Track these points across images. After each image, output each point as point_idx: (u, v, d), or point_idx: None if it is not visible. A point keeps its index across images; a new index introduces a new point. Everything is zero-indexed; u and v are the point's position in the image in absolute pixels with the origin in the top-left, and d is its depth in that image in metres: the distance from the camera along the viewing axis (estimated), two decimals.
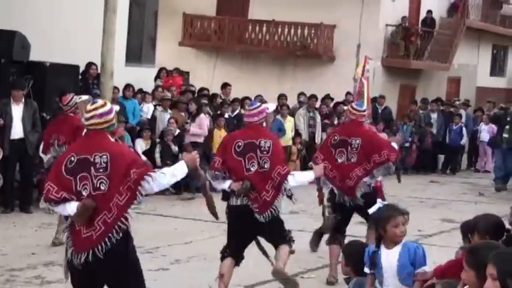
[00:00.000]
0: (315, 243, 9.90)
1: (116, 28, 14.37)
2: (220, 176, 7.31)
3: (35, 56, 13.90)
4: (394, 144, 9.29)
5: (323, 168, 8.02)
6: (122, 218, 5.30)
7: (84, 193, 5.34)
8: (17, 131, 12.14)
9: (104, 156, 5.35)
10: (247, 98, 17.89)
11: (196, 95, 18.15)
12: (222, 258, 7.46)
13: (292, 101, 19.40)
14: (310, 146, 17.98)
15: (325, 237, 9.01)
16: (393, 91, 24.94)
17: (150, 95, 16.80)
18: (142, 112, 16.26)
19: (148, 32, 21.25)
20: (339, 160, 8.63)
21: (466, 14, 28.00)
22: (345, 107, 10.28)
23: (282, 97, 18.76)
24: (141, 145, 15.27)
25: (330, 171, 8.50)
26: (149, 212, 12.45)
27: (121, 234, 5.30)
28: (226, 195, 7.43)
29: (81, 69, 15.21)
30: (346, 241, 8.09)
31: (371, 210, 5.63)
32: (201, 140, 15.15)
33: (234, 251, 7.42)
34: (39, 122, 12.32)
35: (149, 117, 16.07)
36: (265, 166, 7.26)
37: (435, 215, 13.68)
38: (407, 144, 19.81)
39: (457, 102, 22.84)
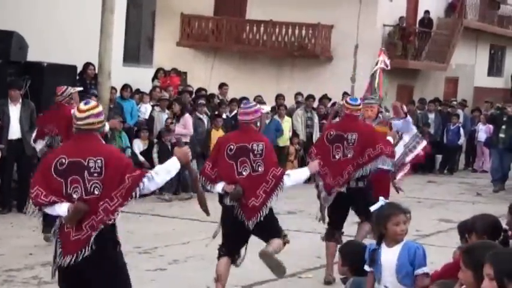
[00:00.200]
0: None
1: (114, 28, 14.39)
2: (211, 183, 7.29)
3: (32, 56, 13.89)
4: (390, 138, 9.28)
5: (318, 164, 7.97)
6: (106, 220, 5.27)
7: (74, 196, 5.30)
8: (14, 131, 12.14)
9: (99, 161, 5.31)
10: (245, 98, 17.86)
11: (193, 95, 18.15)
12: (219, 257, 7.47)
13: (289, 101, 19.40)
14: (307, 147, 17.95)
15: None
16: (391, 91, 24.90)
17: (148, 95, 16.80)
18: (140, 112, 16.25)
19: (146, 32, 21.27)
20: (336, 156, 8.59)
21: (464, 14, 28.03)
22: (341, 102, 10.22)
23: (279, 97, 18.77)
24: (138, 145, 15.25)
25: (322, 167, 8.40)
26: (147, 212, 12.46)
27: (102, 239, 5.27)
28: (221, 197, 7.42)
29: (79, 69, 15.20)
30: (343, 240, 8.12)
31: (373, 208, 5.63)
32: (186, 139, 15.03)
33: (229, 250, 7.42)
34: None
35: (147, 117, 16.06)
36: (259, 169, 7.25)
37: (433, 215, 13.69)
38: None
39: (454, 103, 22.84)
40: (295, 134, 18.20)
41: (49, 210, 5.37)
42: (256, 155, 7.27)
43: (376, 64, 11.51)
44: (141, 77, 18.44)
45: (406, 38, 25.05)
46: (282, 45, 24.51)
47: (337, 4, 23.58)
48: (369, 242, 6.22)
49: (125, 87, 16.09)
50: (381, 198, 5.68)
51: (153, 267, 9.23)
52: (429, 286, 5.32)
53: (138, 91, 16.93)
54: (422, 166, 20.51)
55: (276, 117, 17.72)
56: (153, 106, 16.27)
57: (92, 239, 5.25)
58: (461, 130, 21.03)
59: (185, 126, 15.33)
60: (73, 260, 5.27)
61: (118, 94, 15.85)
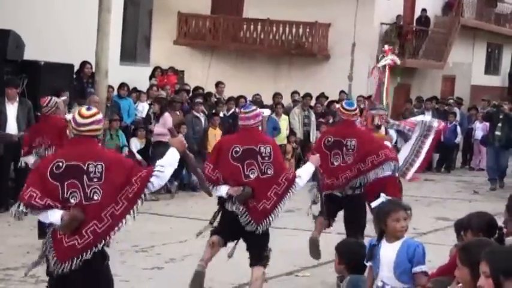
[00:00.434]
0: (315, 252, 9.26)
1: (111, 27, 14.37)
2: (213, 184, 7.19)
3: (29, 55, 13.88)
4: (387, 143, 9.26)
5: (318, 157, 7.82)
6: (115, 228, 5.24)
7: (72, 200, 5.22)
8: (11, 130, 12.12)
9: (99, 166, 5.25)
10: (242, 96, 17.90)
11: (191, 94, 18.15)
12: (211, 235, 7.44)
13: (287, 100, 19.41)
14: (305, 145, 17.98)
15: (323, 243, 8.93)
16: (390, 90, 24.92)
17: (145, 93, 16.79)
18: (137, 111, 16.25)
19: (143, 31, 21.26)
20: (335, 163, 8.52)
21: (461, 12, 28.03)
22: (337, 105, 10.12)
23: (277, 96, 18.78)
24: (135, 144, 15.25)
25: (320, 174, 8.25)
26: (144, 211, 12.41)
27: (104, 246, 5.25)
28: (221, 201, 7.32)
29: (76, 68, 15.20)
30: (338, 240, 8.11)
31: (374, 204, 5.64)
32: (166, 139, 14.76)
33: (223, 235, 7.39)
34: (33, 120, 12.29)
35: (144, 116, 16.06)
36: (269, 172, 7.16)
37: (430, 213, 13.70)
38: None
39: (451, 101, 22.85)
40: (292, 132, 18.21)
41: (42, 217, 5.29)
42: (264, 158, 7.18)
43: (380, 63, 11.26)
44: (138, 76, 18.43)
45: (403, 36, 25.06)
46: (279, 43, 24.51)
47: (335, 2, 23.58)
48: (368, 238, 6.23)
49: (122, 85, 16.10)
50: (382, 194, 5.69)
51: (150, 265, 9.24)
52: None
53: (135, 90, 16.93)
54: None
55: (273, 115, 17.73)
56: (150, 105, 16.27)
57: (99, 245, 5.20)
58: (458, 128, 21.04)
59: (164, 125, 15.06)
60: (72, 265, 5.20)
61: (115, 93, 15.85)
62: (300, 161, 17.08)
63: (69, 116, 5.66)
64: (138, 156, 14.79)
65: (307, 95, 19.02)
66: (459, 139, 21.32)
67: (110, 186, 5.22)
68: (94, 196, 5.21)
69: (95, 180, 5.23)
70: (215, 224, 7.49)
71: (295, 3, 23.64)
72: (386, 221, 5.44)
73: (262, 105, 18.22)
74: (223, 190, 7.21)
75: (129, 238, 10.49)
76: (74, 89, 14.52)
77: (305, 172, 7.43)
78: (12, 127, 12.14)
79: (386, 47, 11.81)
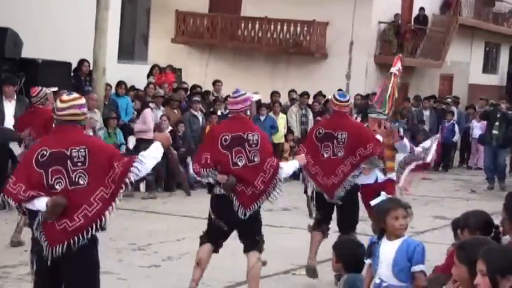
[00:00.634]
0: (311, 273, 8.90)
1: (108, 25, 14.38)
2: (213, 174, 7.20)
3: (27, 53, 13.88)
4: (379, 137, 9.19)
5: (305, 157, 7.87)
6: (106, 211, 5.25)
7: (57, 187, 5.24)
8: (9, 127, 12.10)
9: (82, 150, 5.26)
10: None
11: (188, 92, 18.14)
12: (201, 244, 7.43)
13: (285, 99, 19.42)
14: (302, 143, 17.99)
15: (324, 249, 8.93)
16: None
17: (143, 92, 16.78)
18: (135, 109, 16.23)
19: (141, 29, 21.25)
20: (325, 155, 8.43)
21: (459, 11, 28.05)
22: (329, 97, 10.03)
23: (274, 94, 18.77)
24: (133, 142, 15.23)
25: (313, 166, 8.32)
26: (141, 209, 12.46)
27: (99, 230, 5.26)
28: (210, 186, 7.37)
29: (74, 66, 15.19)
30: (334, 236, 8.10)
31: (373, 202, 5.64)
32: (147, 136, 14.42)
33: (213, 239, 7.38)
34: None
35: None
36: (255, 159, 7.19)
37: (427, 212, 13.71)
38: None
39: (449, 100, 22.86)
40: (290, 130, 18.21)
41: (29, 206, 5.29)
42: (251, 145, 7.21)
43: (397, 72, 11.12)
44: (136, 74, 18.42)
45: (401, 35, 25.07)
46: (277, 42, 24.51)
47: (333, 1, 23.58)
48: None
49: (120, 83, 16.08)
50: (382, 193, 5.69)
51: (147, 263, 9.23)
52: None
53: (133, 88, 16.92)
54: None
55: (271, 114, 17.74)
56: (148, 103, 16.24)
57: (90, 229, 5.21)
58: (456, 127, 21.05)
59: (144, 122, 14.88)
60: (63, 249, 5.20)
61: (113, 91, 15.84)
62: None
63: (54, 104, 5.61)
64: None
65: (305, 94, 19.02)
66: (457, 138, 21.33)
67: (95, 170, 5.24)
68: (80, 180, 5.23)
69: (79, 164, 5.24)
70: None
71: (293, 2, 23.64)
72: (385, 218, 5.44)
73: (260, 104, 18.26)
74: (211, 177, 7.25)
75: (126, 236, 10.50)
76: (71, 87, 14.50)
77: (288, 166, 7.50)
78: (10, 125, 12.10)
79: (399, 55, 11.74)
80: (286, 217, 11.25)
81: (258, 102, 18.62)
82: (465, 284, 4.07)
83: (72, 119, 5.38)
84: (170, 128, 15.45)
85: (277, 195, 7.33)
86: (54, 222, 5.23)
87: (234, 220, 7.23)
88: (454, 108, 22.02)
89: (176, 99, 16.52)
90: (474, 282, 3.77)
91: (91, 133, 12.81)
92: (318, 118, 18.75)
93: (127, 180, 5.28)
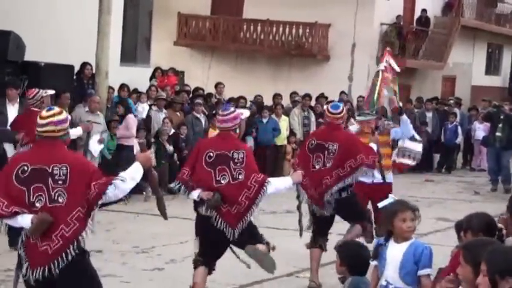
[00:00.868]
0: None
1: (111, 28, 14.38)
2: (186, 190, 7.15)
3: (29, 56, 13.89)
4: (373, 145, 9.12)
5: (301, 175, 7.65)
6: (83, 232, 5.18)
7: (37, 204, 5.17)
8: None
9: (64, 168, 5.19)
10: (242, 97, 17.91)
11: (191, 94, 18.16)
12: (195, 267, 7.36)
13: (287, 101, 19.42)
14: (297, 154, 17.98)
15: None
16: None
17: (145, 94, 16.79)
18: (138, 112, 16.23)
19: (143, 31, 21.28)
20: (317, 166, 8.44)
21: (461, 12, 28.04)
22: (325, 106, 9.94)
23: (277, 96, 18.79)
24: (135, 145, 15.23)
25: (303, 178, 8.06)
26: (144, 212, 12.45)
27: (77, 250, 5.18)
28: (196, 204, 7.28)
29: (76, 69, 15.20)
30: (335, 242, 8.09)
31: (381, 204, 5.63)
32: (128, 142, 14.57)
33: (207, 260, 7.31)
34: None
35: (144, 117, 16.05)
36: (240, 177, 7.07)
37: (430, 214, 13.67)
38: None
39: (451, 101, 22.85)
40: (292, 133, 18.22)
41: (11, 222, 5.23)
42: (236, 163, 7.08)
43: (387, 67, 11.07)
44: (139, 77, 18.43)
45: (403, 37, 25.06)
46: (279, 44, 24.51)
47: (335, 3, 23.57)
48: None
49: (122, 86, 16.09)
50: (390, 195, 5.69)
51: (150, 266, 9.24)
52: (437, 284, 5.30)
53: (135, 91, 16.93)
54: (420, 165, 20.54)
55: (273, 116, 17.75)
56: (150, 106, 16.27)
57: (68, 250, 5.13)
58: (459, 129, 21.03)
59: (127, 128, 14.78)
60: (44, 273, 5.15)
61: (115, 94, 15.84)
62: None
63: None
64: None
65: (307, 96, 19.03)
66: (460, 139, 21.30)
67: (74, 189, 5.17)
68: (59, 199, 5.17)
69: (60, 182, 5.18)
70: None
71: (295, 4, 23.64)
72: (393, 221, 5.44)
73: (262, 106, 18.27)
74: (195, 194, 7.17)
75: (129, 239, 10.50)
76: (74, 90, 14.52)
77: (279, 181, 7.35)
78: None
79: (388, 48, 11.69)
80: (290, 219, 11.20)
81: (261, 104, 18.64)
82: (470, 284, 4.08)
83: (50, 135, 5.31)
84: (173, 130, 15.48)
85: (256, 214, 7.14)
86: (37, 243, 5.16)
87: (223, 239, 7.12)
88: (456, 110, 22.01)
89: (178, 102, 16.54)
90: (476, 281, 3.78)
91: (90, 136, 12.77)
92: (320, 120, 18.76)
93: (99, 202, 5.20)
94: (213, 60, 25.26)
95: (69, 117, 5.66)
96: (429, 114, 21.15)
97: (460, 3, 27.94)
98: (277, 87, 21.40)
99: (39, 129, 5.33)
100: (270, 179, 7.20)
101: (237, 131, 7.37)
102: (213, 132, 15.65)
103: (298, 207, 8.18)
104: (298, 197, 8.18)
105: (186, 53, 25.33)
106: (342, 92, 21.15)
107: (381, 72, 10.75)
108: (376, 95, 10.47)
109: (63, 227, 5.13)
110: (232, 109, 7.43)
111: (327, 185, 8.41)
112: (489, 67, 32.33)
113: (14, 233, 5.53)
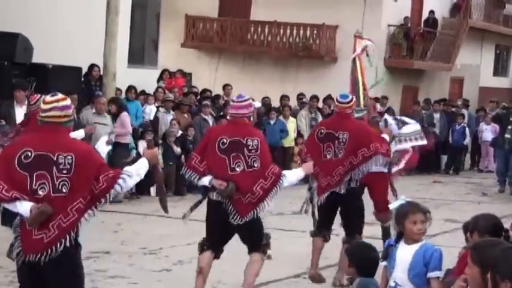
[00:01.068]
0: (316, 281, 8.82)
1: (118, 30, 14.43)
2: (197, 177, 7.10)
3: (37, 58, 13.94)
4: (385, 136, 9.06)
5: (312, 165, 7.62)
6: (78, 223, 5.11)
7: (40, 192, 5.09)
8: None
9: (69, 157, 5.09)
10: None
11: (198, 96, 18.18)
12: (201, 251, 7.34)
13: (294, 102, 19.42)
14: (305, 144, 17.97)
15: (329, 246, 8.90)
16: (396, 92, 24.92)
17: (153, 96, 16.82)
18: (145, 114, 16.26)
19: (151, 33, 21.31)
20: (328, 156, 8.33)
21: (469, 14, 27.99)
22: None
23: (284, 98, 18.78)
24: (144, 146, 15.25)
25: (313, 167, 8.03)
26: (152, 213, 12.45)
27: (73, 242, 5.12)
28: (205, 189, 7.23)
29: (84, 71, 15.24)
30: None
31: (392, 206, 5.62)
32: (124, 140, 14.44)
33: (213, 244, 7.28)
34: None
35: (152, 118, 16.07)
36: (255, 165, 7.00)
37: (438, 215, 13.61)
38: None
39: (459, 103, 22.82)
40: (299, 134, 18.21)
41: (10, 207, 5.14)
42: (251, 150, 7.02)
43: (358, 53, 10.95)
44: (146, 78, 18.47)
45: (411, 38, 25.03)
46: (286, 46, 24.51)
47: (342, 4, 23.56)
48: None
49: (130, 88, 16.11)
50: (402, 196, 5.68)
51: (158, 268, 9.24)
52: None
53: (143, 92, 16.96)
54: (428, 166, 20.54)
55: (280, 118, 17.75)
56: (157, 107, 16.29)
57: (63, 240, 5.07)
58: (467, 130, 20.99)
59: (123, 126, 14.58)
60: (35, 259, 5.09)
61: (123, 95, 15.87)
62: None
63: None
64: None
65: (314, 97, 19.02)
66: (468, 141, 21.26)
67: (78, 180, 5.09)
68: (62, 189, 5.09)
69: (64, 172, 5.09)
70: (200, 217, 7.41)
71: (303, 6, 23.63)
72: (404, 222, 5.43)
73: (269, 108, 18.28)
74: (205, 180, 7.09)
75: (137, 240, 10.51)
76: (82, 92, 14.55)
77: (292, 174, 7.30)
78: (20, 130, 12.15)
79: (356, 33, 11.53)
80: (297, 221, 11.21)
81: (269, 105, 18.64)
82: (477, 285, 4.07)
83: (53, 120, 5.21)
84: (180, 132, 15.50)
85: (268, 205, 7.10)
86: (32, 230, 5.10)
87: (230, 226, 7.10)
88: (464, 111, 21.97)
89: (186, 104, 16.56)
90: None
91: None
92: None
93: (107, 196, 5.15)
94: (221, 62, 25.28)
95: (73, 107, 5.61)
96: (437, 116, 21.11)
97: (468, 5, 27.89)
98: (285, 88, 21.40)
99: (42, 114, 5.23)
100: (284, 172, 7.17)
101: (251, 118, 7.36)
102: None
103: (311, 199, 8.16)
104: (310, 188, 8.17)
105: (194, 54, 25.34)
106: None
107: (357, 59, 10.67)
108: (361, 86, 10.47)
109: (62, 217, 5.07)
110: (247, 97, 7.45)
111: (340, 174, 8.27)
112: (497, 68, 32.26)
113: (8, 212, 5.51)
